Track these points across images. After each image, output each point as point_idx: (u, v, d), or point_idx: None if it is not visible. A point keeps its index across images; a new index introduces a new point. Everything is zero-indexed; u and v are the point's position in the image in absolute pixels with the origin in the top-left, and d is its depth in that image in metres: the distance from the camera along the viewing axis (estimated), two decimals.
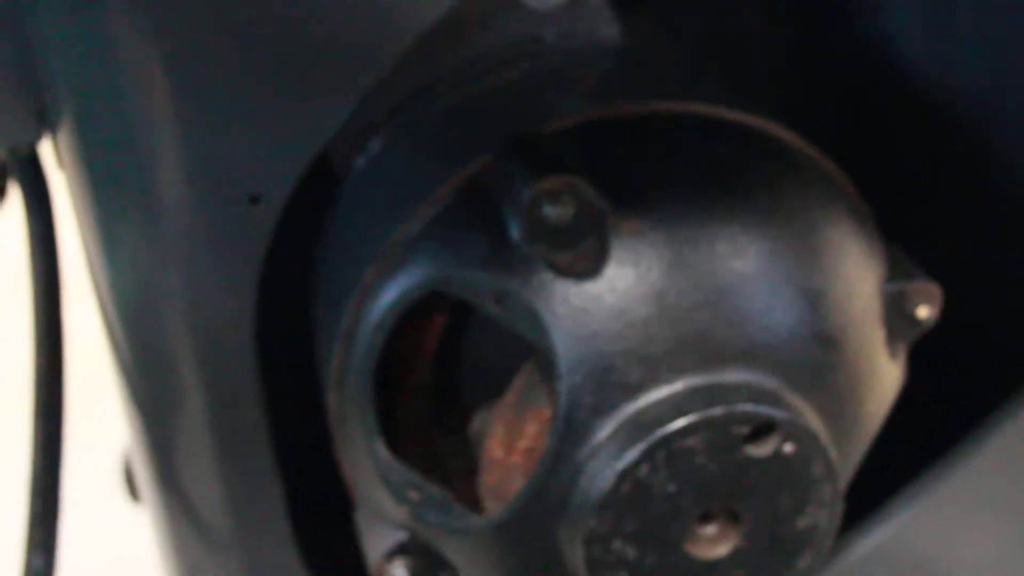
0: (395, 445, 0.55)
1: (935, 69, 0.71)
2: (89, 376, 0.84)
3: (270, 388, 0.59)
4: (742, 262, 0.51)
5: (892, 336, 0.56)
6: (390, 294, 0.54)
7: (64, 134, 0.53)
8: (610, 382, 0.50)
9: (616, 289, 0.50)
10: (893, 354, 0.56)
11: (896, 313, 0.55)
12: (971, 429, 0.67)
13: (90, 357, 0.83)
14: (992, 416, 0.67)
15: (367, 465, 0.55)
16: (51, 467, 0.57)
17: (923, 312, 0.56)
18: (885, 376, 0.56)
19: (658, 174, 0.52)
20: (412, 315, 0.54)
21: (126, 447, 0.80)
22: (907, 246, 0.59)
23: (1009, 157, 0.68)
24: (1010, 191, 0.67)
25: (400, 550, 0.57)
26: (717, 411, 0.49)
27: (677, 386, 0.50)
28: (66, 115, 0.52)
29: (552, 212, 0.49)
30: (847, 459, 0.55)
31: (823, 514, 0.52)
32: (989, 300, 0.69)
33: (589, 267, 0.50)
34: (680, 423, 0.49)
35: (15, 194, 0.61)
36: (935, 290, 0.56)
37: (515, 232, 0.50)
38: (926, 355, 0.60)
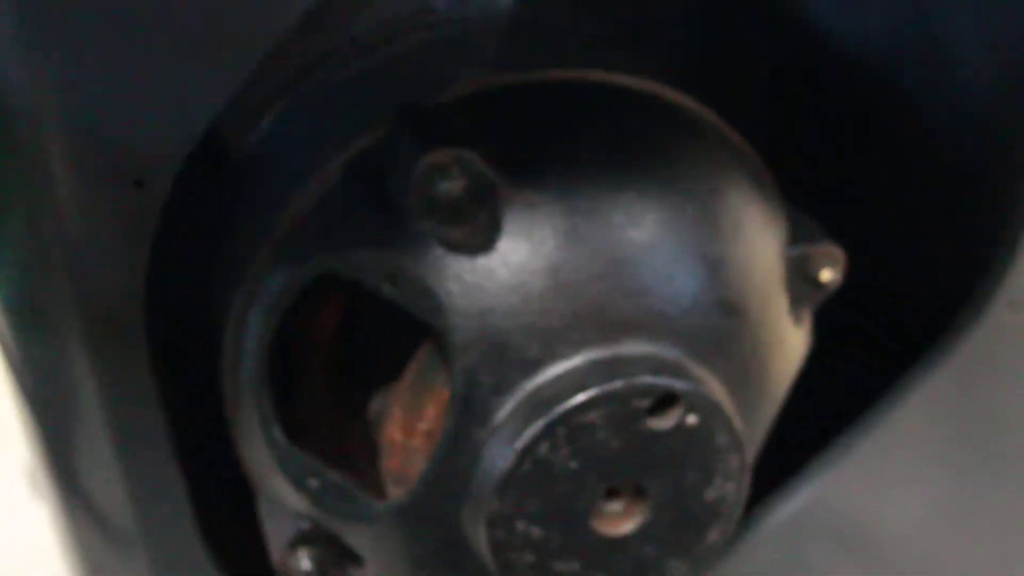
0: (295, 432, 0.54)
1: (847, 39, 0.70)
2: None
3: (166, 377, 0.57)
4: (639, 231, 0.50)
5: (796, 301, 0.55)
6: (281, 277, 0.52)
7: None
8: (508, 359, 0.49)
9: (510, 263, 0.49)
10: (797, 319, 0.55)
11: (799, 277, 0.55)
12: (887, 389, 0.67)
13: None
14: (907, 375, 0.66)
15: (265, 453, 0.54)
16: None
17: (826, 275, 0.55)
18: (790, 342, 0.55)
19: (552, 144, 0.51)
20: (307, 296, 0.52)
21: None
22: (814, 211, 0.58)
23: (912, 120, 0.67)
24: (913, 152, 0.67)
25: (302, 539, 0.55)
26: (617, 385, 0.48)
27: (576, 360, 0.49)
28: None
29: (442, 186, 0.48)
30: (753, 428, 0.55)
31: (730, 485, 0.51)
32: (899, 259, 0.68)
33: (482, 242, 0.49)
34: (580, 398, 0.48)
35: None
36: (838, 253, 0.55)
37: (404, 208, 0.49)
38: (844, 315, 0.59)
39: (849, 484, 0.68)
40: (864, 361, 0.70)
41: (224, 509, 0.63)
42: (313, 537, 0.55)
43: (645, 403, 0.48)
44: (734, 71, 0.73)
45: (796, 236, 0.55)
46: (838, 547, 0.70)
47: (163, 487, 0.59)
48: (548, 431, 0.48)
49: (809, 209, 0.58)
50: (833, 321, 0.59)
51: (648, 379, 0.48)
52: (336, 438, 0.56)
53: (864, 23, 0.70)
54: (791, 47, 0.72)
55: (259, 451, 0.54)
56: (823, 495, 0.68)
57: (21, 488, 0.80)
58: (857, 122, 0.71)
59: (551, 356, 0.49)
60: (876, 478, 0.68)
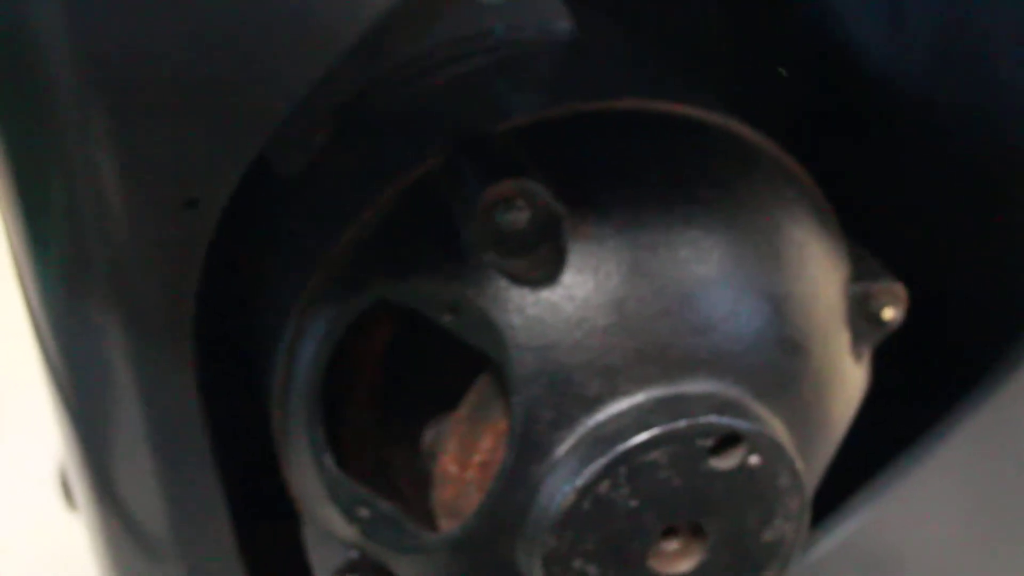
0: (342, 460, 0.53)
1: (891, 61, 0.70)
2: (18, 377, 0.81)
3: (211, 396, 0.56)
4: (704, 267, 0.49)
5: (857, 339, 0.54)
6: (334, 304, 0.51)
7: None
8: (569, 395, 0.48)
9: (574, 297, 0.48)
10: (858, 357, 0.54)
11: (861, 315, 0.54)
12: (932, 424, 0.66)
13: (17, 358, 0.80)
14: (953, 410, 0.66)
15: (314, 482, 0.53)
16: None
17: (888, 313, 0.54)
18: (850, 380, 0.54)
19: (616, 175, 0.50)
20: (357, 323, 0.52)
21: (62, 454, 0.77)
22: (867, 243, 0.57)
23: (966, 149, 0.66)
24: (969, 184, 0.66)
25: (351, 569, 0.55)
26: (680, 424, 0.47)
27: (638, 398, 0.48)
28: None
29: (506, 218, 0.47)
30: (813, 467, 0.54)
31: (789, 526, 0.50)
32: (950, 296, 0.67)
33: (545, 275, 0.48)
34: (642, 437, 0.47)
35: None
36: (900, 291, 0.54)
37: (467, 239, 0.48)
38: (885, 350, 0.58)
39: (882, 521, 0.67)
40: (905, 394, 0.69)
41: (263, 524, 0.63)
42: (361, 567, 0.54)
43: (708, 443, 0.48)
44: (779, 97, 0.72)
45: (858, 273, 0.54)
46: None
47: (202, 499, 0.58)
48: (609, 469, 0.47)
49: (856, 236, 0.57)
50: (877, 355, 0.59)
51: (712, 419, 0.48)
52: (381, 466, 0.55)
53: (906, 41, 0.69)
54: (833, 69, 0.72)
55: (308, 478, 0.53)
56: (857, 531, 0.67)
57: (52, 498, 0.79)
58: (900, 144, 0.70)
59: (613, 393, 0.48)
60: (909, 516, 0.68)
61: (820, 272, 0.52)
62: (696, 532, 0.50)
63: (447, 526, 0.52)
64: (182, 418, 0.56)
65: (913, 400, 0.68)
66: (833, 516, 0.66)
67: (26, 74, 0.48)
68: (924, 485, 0.67)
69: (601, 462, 0.47)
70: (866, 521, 0.67)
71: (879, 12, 0.69)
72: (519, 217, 0.47)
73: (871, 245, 0.58)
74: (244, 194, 0.51)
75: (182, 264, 0.52)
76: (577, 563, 0.49)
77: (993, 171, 0.65)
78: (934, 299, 0.62)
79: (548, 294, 0.48)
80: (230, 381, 0.60)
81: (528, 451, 0.49)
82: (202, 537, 0.60)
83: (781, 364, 0.50)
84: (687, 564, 0.50)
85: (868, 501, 0.67)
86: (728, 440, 0.48)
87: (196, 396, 0.55)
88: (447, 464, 0.52)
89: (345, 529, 0.53)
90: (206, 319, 0.54)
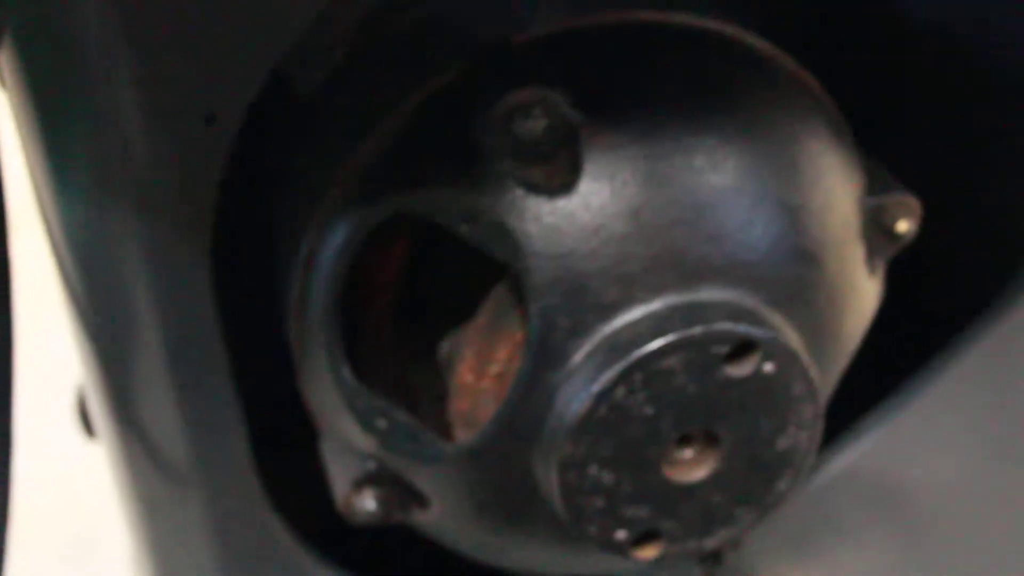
0: (360, 372, 0.53)
1: None
2: (36, 309, 0.82)
3: (228, 315, 0.57)
4: (720, 176, 0.49)
5: (871, 251, 0.54)
6: (353, 217, 0.51)
7: (7, 52, 0.51)
8: (585, 302, 0.48)
9: (591, 206, 0.48)
10: (872, 270, 0.55)
11: (875, 227, 0.54)
12: (939, 348, 0.67)
13: (37, 289, 0.80)
14: (959, 336, 0.66)
15: (332, 394, 0.53)
16: (2, 403, 0.55)
17: (903, 226, 0.54)
18: (864, 293, 0.55)
19: (634, 86, 0.50)
20: (375, 236, 0.52)
21: (79, 382, 0.78)
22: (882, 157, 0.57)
23: (984, 68, 0.66)
24: (983, 103, 0.66)
25: (368, 479, 0.55)
26: (696, 331, 0.48)
27: (654, 305, 0.49)
28: (9, 32, 0.50)
29: (524, 126, 0.47)
30: (827, 378, 0.54)
31: (803, 435, 0.51)
32: (961, 217, 0.68)
33: (562, 183, 0.48)
34: (658, 343, 0.48)
35: None
36: (914, 203, 0.54)
37: (485, 148, 0.48)
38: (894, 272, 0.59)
39: (886, 449, 0.68)
40: (907, 326, 0.70)
41: (282, 449, 0.63)
42: (378, 478, 0.55)
43: (723, 350, 0.48)
44: (795, 12, 0.72)
45: (872, 186, 0.54)
46: (870, 508, 0.70)
47: (221, 424, 0.59)
48: (625, 375, 0.48)
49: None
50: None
51: (727, 326, 0.48)
52: (399, 379, 0.56)
53: None
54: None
55: (326, 391, 0.54)
56: (860, 459, 0.67)
57: (69, 428, 0.79)
58: (910, 64, 0.70)
59: (629, 300, 0.49)
60: (913, 444, 0.68)
61: (835, 184, 0.53)
62: (710, 440, 0.50)
63: (464, 436, 0.53)
64: (201, 339, 0.56)
65: (919, 326, 0.69)
66: (837, 442, 0.66)
67: None
68: (929, 414, 0.67)
69: (617, 368, 0.48)
70: (870, 448, 0.67)
71: None
72: (536, 125, 0.47)
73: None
74: (263, 110, 0.52)
75: (201, 180, 0.52)
76: (592, 470, 0.49)
77: (1000, 92, 0.65)
78: (942, 223, 0.62)
79: (565, 202, 0.48)
80: (249, 302, 0.60)
81: (545, 359, 0.49)
82: (221, 460, 0.60)
83: (796, 274, 0.51)
84: (701, 472, 0.51)
85: (872, 428, 0.67)
86: (743, 347, 0.48)
87: (215, 317, 0.56)
88: (464, 374, 0.52)
89: (362, 440, 0.54)
90: (225, 238, 0.55)
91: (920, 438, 0.68)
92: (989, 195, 0.68)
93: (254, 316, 0.60)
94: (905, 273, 0.60)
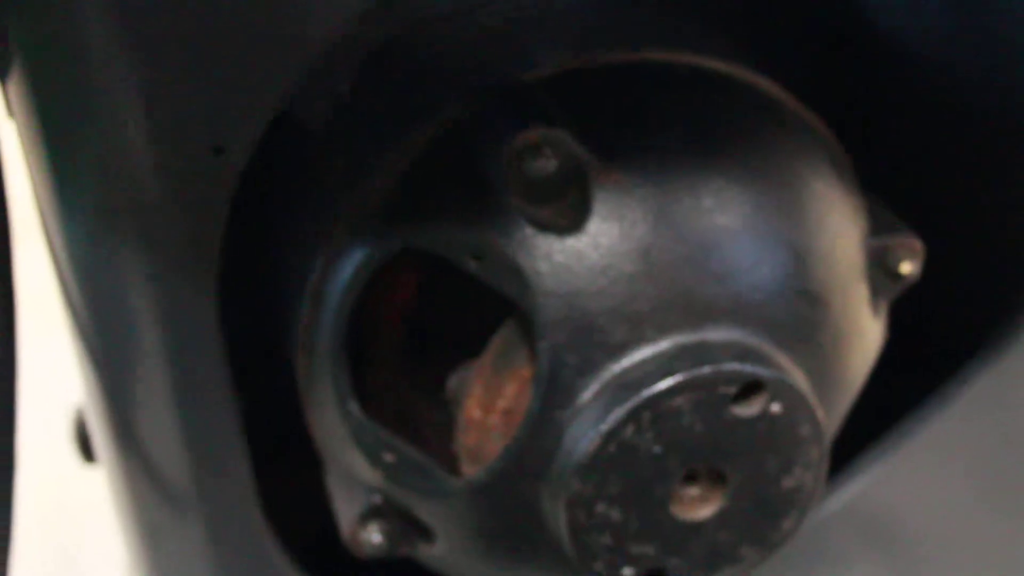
0: (367, 406, 0.54)
1: (907, 18, 0.70)
2: (41, 330, 0.82)
3: (233, 343, 0.57)
4: (728, 217, 0.50)
5: (875, 292, 0.55)
6: (361, 250, 0.52)
7: (15, 82, 0.51)
8: (594, 341, 0.49)
9: (600, 245, 0.49)
10: (876, 311, 0.55)
11: (879, 268, 0.54)
12: (936, 387, 0.67)
13: (39, 307, 0.80)
14: (957, 374, 0.67)
15: (339, 427, 0.54)
16: (4, 428, 0.55)
17: (906, 267, 0.55)
18: (868, 333, 0.55)
19: (642, 126, 0.51)
20: (383, 271, 0.52)
21: (77, 405, 0.77)
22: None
23: (981, 112, 0.67)
24: (983, 146, 0.67)
25: (374, 513, 0.55)
26: (705, 370, 0.48)
27: (663, 345, 0.49)
28: (18, 62, 0.50)
29: (534, 165, 0.47)
30: (832, 419, 0.55)
31: (809, 475, 0.51)
32: (961, 256, 0.68)
33: (571, 222, 0.49)
34: (667, 383, 0.48)
35: None
36: (917, 245, 0.55)
37: (495, 185, 0.48)
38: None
39: (883, 486, 0.68)
40: (909, 361, 0.70)
41: (284, 476, 0.63)
42: (384, 511, 0.55)
43: (731, 390, 0.48)
44: (794, 49, 0.73)
45: (876, 226, 0.55)
46: (866, 545, 0.71)
47: (223, 450, 0.59)
48: (634, 414, 0.48)
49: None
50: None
51: (735, 366, 0.48)
52: (406, 412, 0.56)
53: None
54: (849, 29, 0.72)
55: (332, 424, 0.54)
56: (858, 496, 0.68)
57: (68, 453, 0.79)
58: (914, 105, 0.70)
59: (638, 339, 0.49)
60: (910, 482, 0.69)
61: (840, 225, 0.53)
62: (717, 479, 0.51)
63: (471, 471, 0.53)
64: (205, 366, 0.56)
65: (919, 363, 0.69)
66: (836, 478, 0.67)
67: (55, 21, 0.48)
68: (927, 450, 0.68)
69: (626, 407, 0.48)
70: (868, 485, 0.68)
71: None
72: (546, 165, 0.48)
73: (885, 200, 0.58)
74: (270, 143, 0.52)
75: (208, 211, 0.52)
76: (600, 507, 0.49)
77: (1008, 134, 0.66)
78: (945, 260, 0.63)
79: (574, 241, 0.49)
80: (253, 329, 0.60)
81: (553, 396, 0.49)
82: (223, 486, 0.60)
83: (802, 314, 0.51)
84: (707, 510, 0.51)
85: (870, 465, 0.67)
86: (750, 387, 0.49)
87: (219, 344, 0.56)
88: (471, 410, 0.52)
89: (369, 474, 0.54)
90: (231, 266, 0.55)
91: (917, 476, 0.69)
92: (986, 234, 0.68)
93: (258, 344, 0.60)
94: (905, 311, 0.60)
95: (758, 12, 0.72)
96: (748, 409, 0.49)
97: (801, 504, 0.52)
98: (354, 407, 0.53)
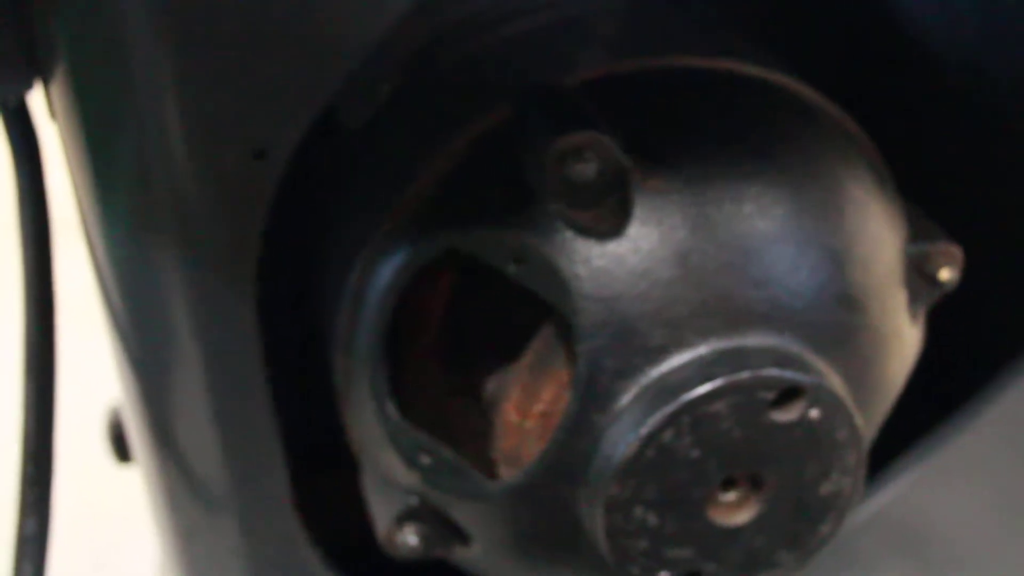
0: (404, 408, 0.54)
1: (940, 28, 0.70)
2: (78, 330, 0.82)
3: (271, 345, 0.57)
4: (768, 222, 0.50)
5: (913, 298, 0.55)
6: (402, 253, 0.52)
7: (58, 84, 0.51)
8: (633, 345, 0.49)
9: (640, 249, 0.49)
10: (914, 317, 0.55)
11: (918, 275, 0.54)
12: (968, 397, 0.67)
13: (79, 309, 0.80)
14: (993, 382, 0.66)
15: (376, 429, 0.54)
16: (43, 427, 0.55)
17: (945, 274, 0.55)
18: (907, 339, 0.55)
19: (682, 131, 0.51)
20: (422, 274, 0.52)
21: (112, 407, 0.78)
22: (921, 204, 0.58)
23: (1015, 108, 0.67)
24: (1017, 143, 0.66)
25: (410, 515, 0.55)
26: (744, 376, 0.48)
27: (702, 349, 0.49)
28: (60, 65, 0.50)
29: (575, 169, 0.48)
30: (870, 424, 0.55)
31: (847, 480, 0.51)
32: (998, 262, 0.68)
33: (612, 226, 0.49)
34: (706, 388, 0.48)
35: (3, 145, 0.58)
36: (957, 252, 0.55)
37: (536, 189, 0.48)
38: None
39: (914, 494, 0.68)
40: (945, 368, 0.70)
41: (320, 478, 0.64)
42: (421, 513, 0.55)
43: (770, 395, 0.48)
44: (827, 55, 0.73)
45: (915, 233, 0.55)
46: (891, 549, 0.70)
47: (260, 452, 0.59)
48: (672, 419, 0.48)
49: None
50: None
51: (775, 371, 0.48)
52: (443, 415, 0.56)
53: (956, 7, 0.69)
54: (882, 35, 0.72)
55: (369, 426, 0.54)
56: (889, 503, 0.68)
57: (102, 454, 0.80)
58: (947, 112, 0.70)
59: (677, 344, 0.49)
60: (941, 487, 0.68)
61: (879, 231, 0.53)
62: (755, 484, 0.51)
63: (507, 474, 0.53)
64: (242, 368, 0.57)
65: (949, 375, 0.69)
66: (868, 485, 0.67)
67: (96, 23, 0.48)
68: (960, 459, 0.67)
69: (665, 411, 0.48)
70: (900, 492, 0.67)
71: None
72: (587, 169, 0.48)
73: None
74: (311, 146, 0.52)
75: (248, 215, 0.53)
76: (638, 511, 0.49)
77: None
78: (981, 266, 0.62)
79: (614, 246, 0.49)
80: (291, 331, 0.61)
81: (592, 400, 0.49)
82: (259, 489, 0.60)
83: (841, 320, 0.51)
84: (745, 515, 0.51)
85: (903, 472, 0.67)
86: (789, 393, 0.49)
87: (257, 346, 0.56)
88: (509, 412, 0.52)
89: (406, 476, 0.54)
90: (270, 268, 0.55)
91: (949, 484, 0.68)
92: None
93: (295, 346, 0.61)
94: (942, 318, 0.60)
95: (788, 16, 0.72)
96: (787, 414, 0.49)
97: (839, 509, 0.52)
98: (391, 409, 0.53)
